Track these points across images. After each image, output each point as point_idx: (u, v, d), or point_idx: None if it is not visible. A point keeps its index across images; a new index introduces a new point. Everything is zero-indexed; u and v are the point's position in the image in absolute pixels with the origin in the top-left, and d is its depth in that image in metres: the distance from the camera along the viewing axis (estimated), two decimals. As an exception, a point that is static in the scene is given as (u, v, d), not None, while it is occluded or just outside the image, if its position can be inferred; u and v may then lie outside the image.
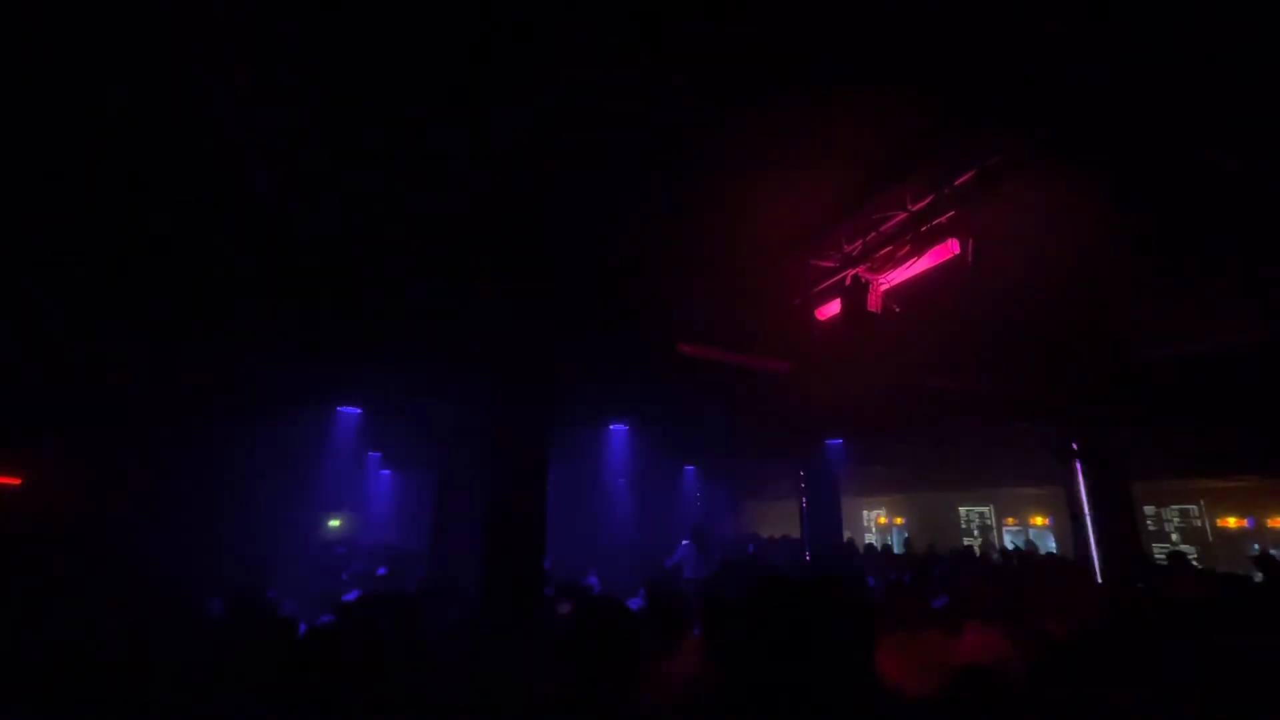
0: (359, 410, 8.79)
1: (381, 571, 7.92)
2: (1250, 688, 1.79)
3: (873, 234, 4.13)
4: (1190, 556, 9.86)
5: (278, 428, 8.51)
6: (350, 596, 5.55)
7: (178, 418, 7.44)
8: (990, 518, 15.56)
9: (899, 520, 17.90)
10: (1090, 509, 7.40)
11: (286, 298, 4.96)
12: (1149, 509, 12.27)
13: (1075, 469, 7.60)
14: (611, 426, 10.85)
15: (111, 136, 3.05)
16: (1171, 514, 12.28)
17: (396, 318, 5.37)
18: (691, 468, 16.71)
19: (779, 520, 16.75)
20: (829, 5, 2.38)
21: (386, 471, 15.41)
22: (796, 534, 12.86)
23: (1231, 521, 11.54)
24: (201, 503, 7.85)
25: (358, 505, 14.82)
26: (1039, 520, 14.45)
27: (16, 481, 6.97)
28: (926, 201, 3.71)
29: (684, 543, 9.43)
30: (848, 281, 4.34)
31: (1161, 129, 2.96)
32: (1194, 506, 12.01)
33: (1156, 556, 11.00)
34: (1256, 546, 11.26)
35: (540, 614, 4.95)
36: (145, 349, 5.83)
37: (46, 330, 5.05)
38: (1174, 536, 12.19)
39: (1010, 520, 15.12)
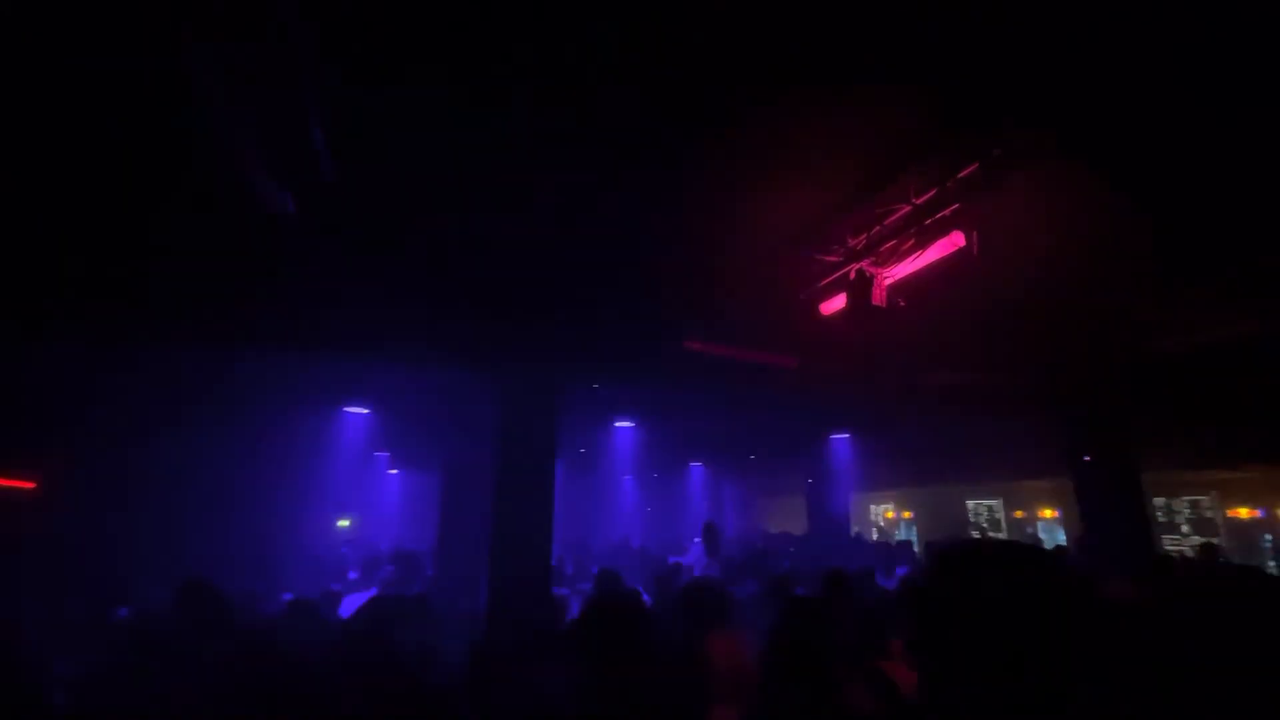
0: (366, 411, 8.86)
1: (388, 569, 7.93)
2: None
3: (876, 228, 4.12)
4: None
5: (282, 429, 8.58)
6: (352, 600, 5.54)
7: (184, 422, 7.54)
8: (999, 511, 15.50)
9: (906, 515, 17.86)
10: (1099, 502, 7.37)
11: (289, 297, 5.01)
12: (1159, 500, 12.20)
13: (1084, 461, 7.56)
14: (617, 424, 10.86)
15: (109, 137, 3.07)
16: (1182, 505, 12.21)
17: (403, 318, 5.41)
18: (700, 465, 16.73)
19: (788, 515, 16.76)
20: (831, 3, 2.37)
21: (395, 471, 15.52)
22: (804, 529, 12.86)
23: (1243, 512, 11.46)
24: (215, 505, 7.96)
25: (366, 505, 14.93)
26: (1048, 513, 14.39)
27: (31, 485, 7.06)
28: (930, 194, 3.69)
29: (695, 540, 9.46)
30: (852, 276, 4.33)
31: (1166, 120, 2.94)
32: (1205, 497, 11.94)
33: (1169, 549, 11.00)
34: (1269, 538, 11.18)
35: (549, 610, 4.98)
36: (155, 353, 5.90)
37: (59, 332, 5.10)
38: (1185, 528, 12.12)
39: (1019, 513, 15.06)
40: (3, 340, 5.21)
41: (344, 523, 14.83)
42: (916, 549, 8.58)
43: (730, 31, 2.56)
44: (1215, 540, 11.26)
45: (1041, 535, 14.13)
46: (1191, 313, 5.50)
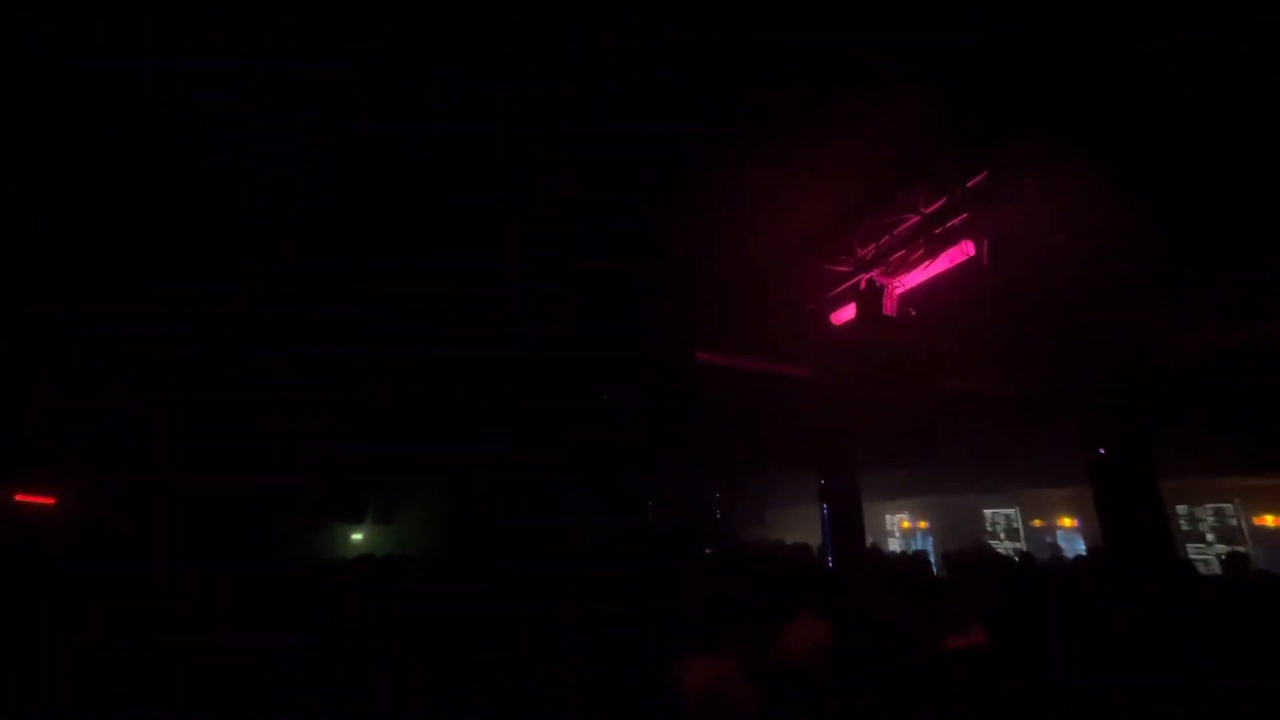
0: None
1: None
2: None
3: (886, 237, 4.12)
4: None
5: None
6: None
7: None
8: (1017, 520, 15.24)
9: (922, 524, 17.62)
10: (1118, 509, 7.22)
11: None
12: (1182, 508, 11.94)
13: (1102, 468, 7.42)
14: (627, 434, 10.83)
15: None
16: (1206, 513, 11.94)
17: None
18: (714, 474, 16.65)
19: (802, 525, 16.59)
20: (840, 20, 2.39)
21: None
22: (818, 539, 12.71)
23: (1270, 520, 11.17)
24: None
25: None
26: (1067, 521, 14.13)
27: (51, 501, 7.20)
28: (939, 204, 3.69)
29: (708, 551, 9.51)
30: (862, 286, 4.33)
31: (1172, 125, 2.92)
32: (1229, 505, 11.67)
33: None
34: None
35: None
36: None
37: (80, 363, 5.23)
38: (1209, 536, 11.84)
39: (1037, 522, 14.79)
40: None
41: (358, 535, 14.91)
42: (933, 558, 8.47)
43: (733, 42, 2.58)
44: (1244, 549, 11.00)
45: (1061, 544, 13.86)
46: (1208, 317, 5.42)
